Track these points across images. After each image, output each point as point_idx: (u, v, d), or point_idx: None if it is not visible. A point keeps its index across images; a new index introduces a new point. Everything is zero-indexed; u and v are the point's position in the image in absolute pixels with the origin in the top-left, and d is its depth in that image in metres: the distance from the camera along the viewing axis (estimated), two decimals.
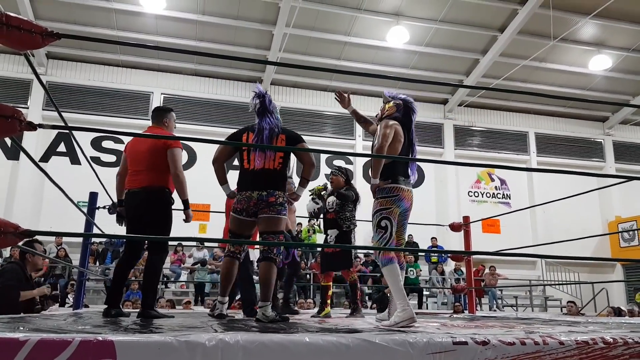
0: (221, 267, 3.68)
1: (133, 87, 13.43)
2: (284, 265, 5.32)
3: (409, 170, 3.72)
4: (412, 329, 2.87)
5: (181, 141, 3.83)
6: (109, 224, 4.99)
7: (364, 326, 2.98)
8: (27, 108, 12.54)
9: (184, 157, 13.32)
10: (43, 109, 12.68)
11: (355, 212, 5.05)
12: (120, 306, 3.79)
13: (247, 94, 14.03)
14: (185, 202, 3.89)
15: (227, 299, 3.65)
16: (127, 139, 4.17)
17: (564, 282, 13.45)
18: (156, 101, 13.40)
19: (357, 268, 10.95)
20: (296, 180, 4.71)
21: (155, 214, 3.76)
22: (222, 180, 3.71)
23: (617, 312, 9.25)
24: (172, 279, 11.18)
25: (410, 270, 11.80)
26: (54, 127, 2.37)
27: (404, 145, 3.66)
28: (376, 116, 4.02)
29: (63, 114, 3.65)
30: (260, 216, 3.52)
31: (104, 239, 10.84)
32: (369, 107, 14.70)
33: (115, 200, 4.24)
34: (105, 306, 3.77)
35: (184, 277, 11.25)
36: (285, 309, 5.18)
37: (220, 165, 3.70)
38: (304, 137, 3.89)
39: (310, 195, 5.18)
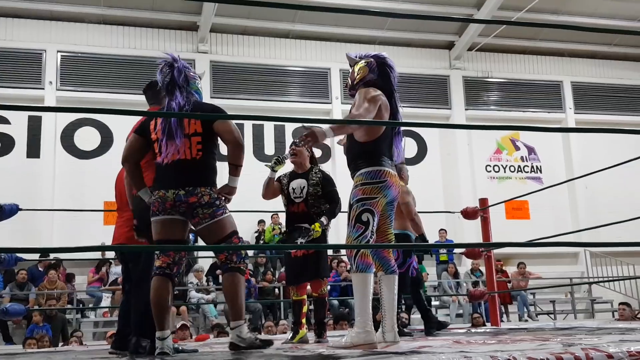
0: (151, 292, 3.64)
1: (18, 44, 13.10)
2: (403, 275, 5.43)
3: (395, 148, 3.93)
4: (416, 348, 2.94)
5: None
6: None
7: (346, 353, 3.03)
8: None
9: (93, 140, 13.20)
10: None
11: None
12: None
13: (179, 47, 13.90)
14: None
15: (167, 332, 3.60)
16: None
17: (615, 279, 13.77)
18: (51, 61, 13.14)
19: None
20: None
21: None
22: (139, 185, 3.81)
23: None
24: (91, 305, 11.11)
25: None
26: None
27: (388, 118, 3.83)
28: (346, 86, 4.20)
29: None
30: (197, 228, 3.67)
31: None
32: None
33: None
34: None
35: (106, 302, 11.18)
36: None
37: (131, 166, 3.82)
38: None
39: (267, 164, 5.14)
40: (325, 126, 3.74)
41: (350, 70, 4.15)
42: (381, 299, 3.90)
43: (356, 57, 4.17)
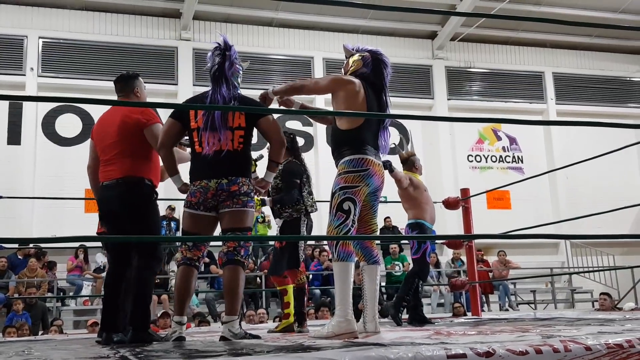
0: (177, 278, 3.82)
1: None
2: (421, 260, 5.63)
3: (381, 140, 3.98)
4: (396, 340, 2.95)
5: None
6: None
7: (327, 343, 3.03)
8: None
9: (74, 127, 13.05)
10: None
11: (305, 193, 5.06)
12: (120, 329, 3.95)
13: (161, 34, 13.80)
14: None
15: (185, 318, 3.84)
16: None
17: (595, 269, 13.95)
18: (32, 47, 12.97)
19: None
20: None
21: (133, 212, 3.97)
22: (172, 171, 3.92)
23: None
24: (71, 294, 11.04)
25: (396, 265, 12.02)
26: None
27: (372, 110, 3.89)
28: None
29: None
30: (221, 210, 3.76)
31: None
32: (331, 48, 14.66)
33: None
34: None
35: (87, 290, 11.13)
36: (416, 316, 5.66)
37: (168, 152, 3.91)
38: (245, 92, 3.97)
39: None
40: (271, 87, 4.02)
41: (345, 62, 4.18)
42: (363, 289, 3.94)
43: (353, 49, 4.19)
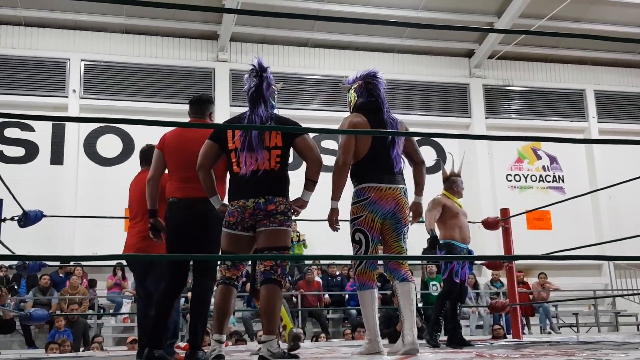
0: (216, 297, 3.87)
1: (42, 52, 13.29)
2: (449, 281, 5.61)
3: (393, 160, 4.20)
4: None
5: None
6: (19, 242, 4.97)
7: None
8: None
9: (115, 148, 13.29)
10: None
11: None
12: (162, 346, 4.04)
13: (199, 56, 14.02)
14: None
15: (224, 337, 3.86)
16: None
17: None
18: (75, 70, 13.29)
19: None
20: None
21: (210, 231, 4.06)
22: (211, 192, 3.93)
23: None
24: (111, 311, 11.17)
25: (433, 285, 11.88)
26: None
27: (374, 136, 4.18)
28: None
29: None
30: (258, 229, 3.79)
31: (14, 262, 10.74)
32: (367, 67, 14.66)
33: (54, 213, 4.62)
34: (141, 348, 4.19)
35: (126, 307, 11.24)
36: (454, 338, 5.57)
37: (207, 173, 3.92)
38: (280, 112, 4.02)
39: None
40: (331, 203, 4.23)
41: (347, 99, 4.53)
42: (399, 305, 4.12)
43: (348, 83, 4.53)
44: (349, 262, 11.68)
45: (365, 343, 4.10)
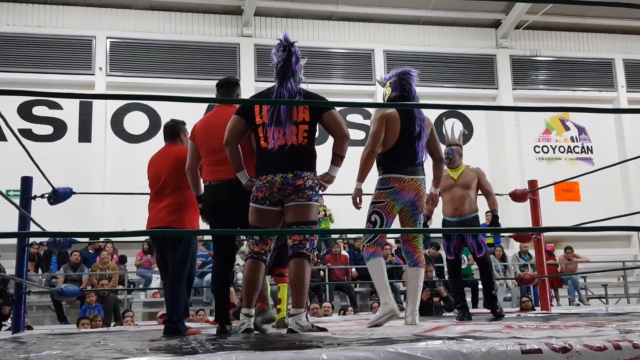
0: (245, 271, 3.90)
1: (68, 31, 13.38)
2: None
3: (417, 153, 4.47)
4: (468, 334, 2.90)
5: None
6: (49, 219, 5.03)
7: (400, 333, 3.02)
8: None
9: (142, 124, 13.36)
10: None
11: None
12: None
13: (223, 31, 13.98)
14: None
15: (253, 311, 3.89)
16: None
17: None
18: (101, 48, 13.37)
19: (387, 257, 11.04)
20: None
21: (241, 210, 4.08)
22: (238, 167, 3.95)
23: None
24: (141, 286, 11.33)
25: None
26: None
27: (402, 129, 4.44)
28: None
29: None
30: (287, 204, 3.81)
31: (45, 239, 10.92)
32: (392, 40, 14.59)
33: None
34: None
35: (156, 282, 11.39)
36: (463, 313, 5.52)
37: (234, 148, 3.92)
38: (305, 86, 4.02)
39: None
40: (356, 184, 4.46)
41: (383, 93, 4.81)
42: (407, 288, 4.60)
43: (385, 79, 4.79)
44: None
45: (379, 309, 4.31)
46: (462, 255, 11.84)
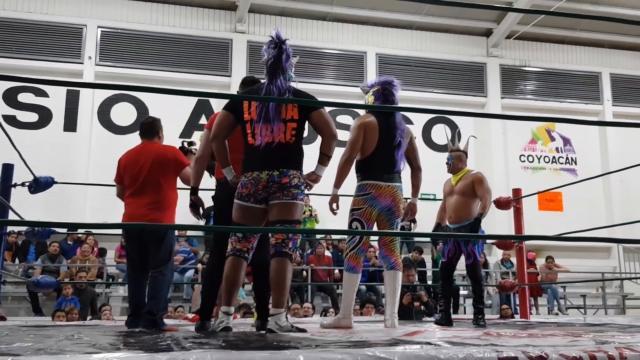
0: (225, 269, 3.85)
1: (59, 18, 13.24)
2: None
3: (396, 161, 4.56)
4: (447, 339, 2.91)
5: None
6: (29, 208, 4.97)
7: (378, 336, 3.01)
8: None
9: (130, 116, 13.24)
10: None
11: None
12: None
13: (217, 26, 13.94)
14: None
15: (232, 309, 3.87)
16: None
17: None
18: (91, 36, 13.26)
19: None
20: None
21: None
22: (224, 162, 3.97)
23: None
24: (120, 280, 11.19)
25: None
26: None
27: (381, 137, 4.52)
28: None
29: None
30: (271, 202, 3.79)
31: (24, 228, 10.77)
32: (384, 43, 14.61)
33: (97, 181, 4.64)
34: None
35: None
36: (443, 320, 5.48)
37: (220, 144, 3.93)
38: (297, 85, 4.02)
39: None
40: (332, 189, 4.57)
41: (365, 100, 4.86)
42: (385, 291, 4.63)
43: (368, 87, 4.83)
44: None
45: (338, 316, 4.49)
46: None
